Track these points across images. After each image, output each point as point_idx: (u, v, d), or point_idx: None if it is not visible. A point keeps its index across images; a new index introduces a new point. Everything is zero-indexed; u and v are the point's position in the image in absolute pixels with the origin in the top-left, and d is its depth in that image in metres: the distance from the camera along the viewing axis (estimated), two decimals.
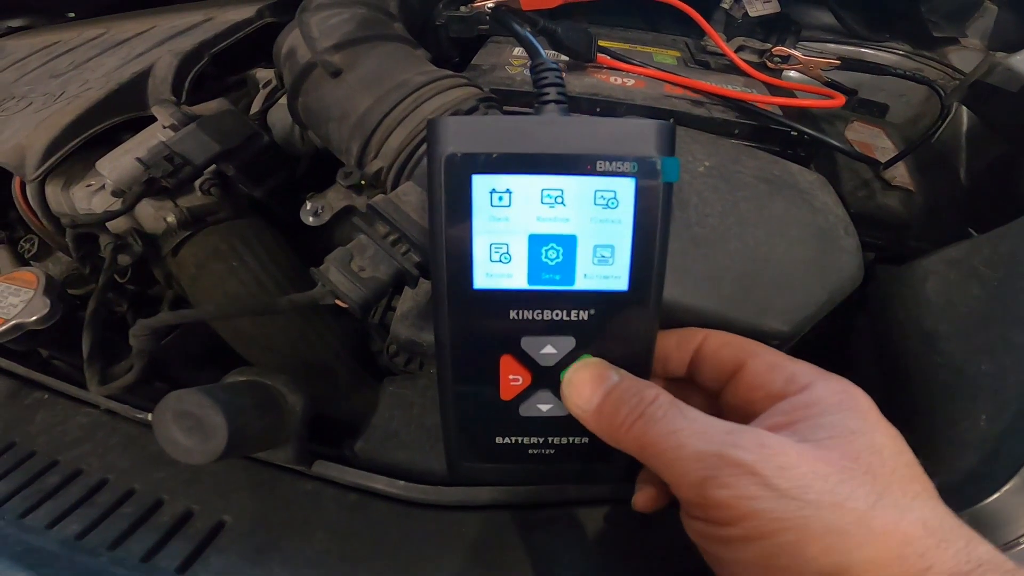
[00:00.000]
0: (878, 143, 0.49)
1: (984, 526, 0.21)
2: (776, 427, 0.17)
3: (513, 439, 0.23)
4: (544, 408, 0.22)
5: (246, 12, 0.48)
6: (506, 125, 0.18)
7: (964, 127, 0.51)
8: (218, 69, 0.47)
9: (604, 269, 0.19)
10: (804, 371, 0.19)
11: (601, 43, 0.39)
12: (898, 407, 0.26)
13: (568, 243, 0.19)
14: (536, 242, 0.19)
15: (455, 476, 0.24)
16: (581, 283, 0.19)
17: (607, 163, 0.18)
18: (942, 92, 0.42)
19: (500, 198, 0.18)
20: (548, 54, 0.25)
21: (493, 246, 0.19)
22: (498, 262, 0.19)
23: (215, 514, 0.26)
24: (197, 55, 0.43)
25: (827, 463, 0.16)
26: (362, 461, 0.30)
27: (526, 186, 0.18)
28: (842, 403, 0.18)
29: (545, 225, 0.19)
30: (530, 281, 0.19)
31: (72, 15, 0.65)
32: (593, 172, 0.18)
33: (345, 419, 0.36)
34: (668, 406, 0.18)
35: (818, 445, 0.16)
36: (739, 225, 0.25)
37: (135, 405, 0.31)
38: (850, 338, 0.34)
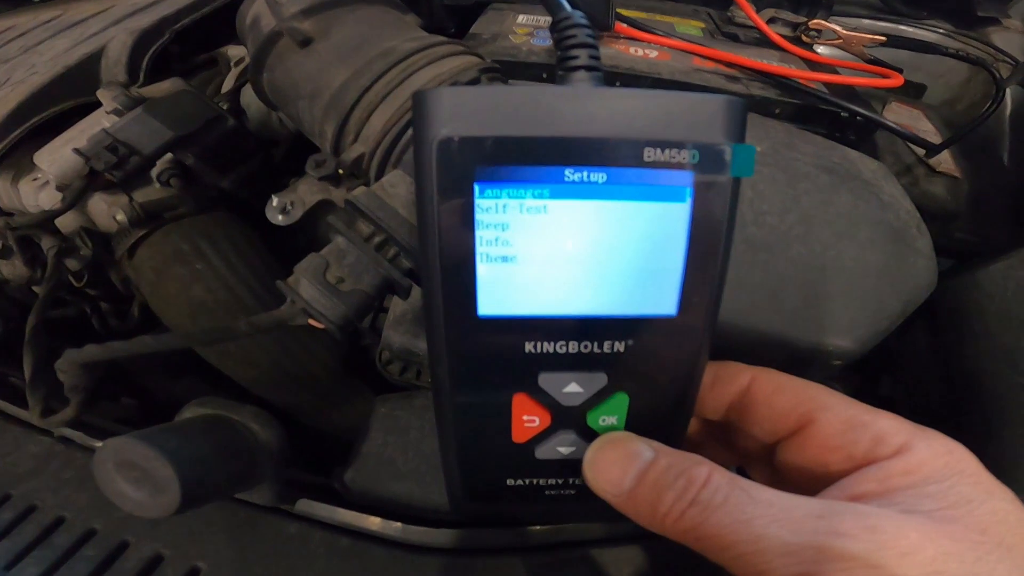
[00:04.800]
0: (919, 125, 0.44)
1: None
2: (868, 496, 0.15)
3: (527, 480, 0.19)
4: (565, 451, 0.18)
5: None
6: (520, 98, 0.13)
7: (1008, 110, 0.47)
8: (184, 48, 0.42)
9: (649, 289, 0.15)
10: (895, 428, 0.15)
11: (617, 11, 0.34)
12: (968, 431, 0.22)
13: (603, 256, 0.14)
14: (562, 255, 0.14)
15: (460, 514, 0.21)
16: (618, 307, 0.15)
17: (658, 151, 0.13)
18: (998, 75, 0.37)
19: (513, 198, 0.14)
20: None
21: (504, 261, 0.14)
22: (510, 281, 0.15)
23: (187, 560, 0.23)
24: (156, 32, 0.39)
25: (954, 540, 0.13)
26: (354, 494, 0.27)
27: (549, 183, 0.14)
28: (949, 466, 0.15)
29: (572, 233, 0.14)
30: (552, 305, 0.15)
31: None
32: (639, 163, 0.13)
33: (337, 433, 0.33)
34: (728, 487, 0.14)
35: (933, 518, 0.13)
36: (802, 224, 0.20)
37: (94, 430, 0.29)
38: (904, 348, 0.30)
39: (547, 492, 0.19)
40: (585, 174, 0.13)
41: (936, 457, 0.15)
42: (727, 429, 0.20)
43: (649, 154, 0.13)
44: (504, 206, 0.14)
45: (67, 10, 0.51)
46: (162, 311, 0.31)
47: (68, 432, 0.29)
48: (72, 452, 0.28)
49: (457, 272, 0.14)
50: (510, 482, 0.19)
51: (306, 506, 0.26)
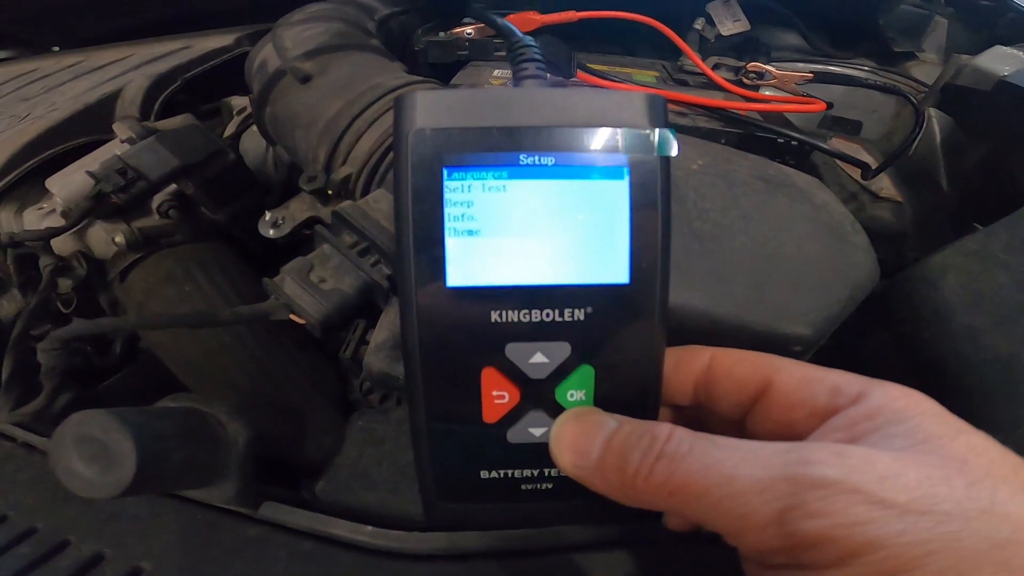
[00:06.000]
0: (859, 157, 0.49)
1: None
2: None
3: (502, 472, 0.19)
4: (537, 432, 0.19)
5: (225, 40, 0.48)
6: (482, 96, 0.16)
7: (938, 138, 0.52)
8: (192, 97, 0.46)
9: (600, 258, 0.17)
10: (849, 380, 0.16)
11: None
12: None
13: (557, 229, 0.16)
14: (520, 228, 0.16)
15: (434, 519, 0.20)
16: (574, 276, 0.17)
17: (595, 137, 0.16)
18: (914, 100, 0.42)
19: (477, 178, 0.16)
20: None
21: (469, 234, 0.16)
22: (475, 254, 0.16)
23: (130, 560, 0.23)
24: (170, 78, 0.43)
25: (936, 467, 0.12)
26: (324, 505, 0.27)
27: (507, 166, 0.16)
28: (909, 408, 0.14)
29: (528, 208, 0.16)
30: (514, 275, 0.17)
31: (57, 48, 0.65)
32: (581, 148, 0.16)
33: (314, 463, 0.32)
34: (691, 438, 0.14)
35: (906, 451, 0.13)
36: (743, 220, 0.23)
37: None
38: (867, 347, 0.31)
39: (523, 487, 0.19)
40: (537, 158, 0.16)
41: (894, 400, 0.15)
42: (698, 415, 0.20)
43: (588, 139, 0.16)
44: (469, 186, 0.16)
45: (88, 57, 0.55)
46: (146, 331, 0.32)
47: (32, 438, 0.28)
48: (32, 456, 0.28)
49: (428, 246, 0.16)
50: (484, 475, 0.19)
51: (269, 510, 0.25)
